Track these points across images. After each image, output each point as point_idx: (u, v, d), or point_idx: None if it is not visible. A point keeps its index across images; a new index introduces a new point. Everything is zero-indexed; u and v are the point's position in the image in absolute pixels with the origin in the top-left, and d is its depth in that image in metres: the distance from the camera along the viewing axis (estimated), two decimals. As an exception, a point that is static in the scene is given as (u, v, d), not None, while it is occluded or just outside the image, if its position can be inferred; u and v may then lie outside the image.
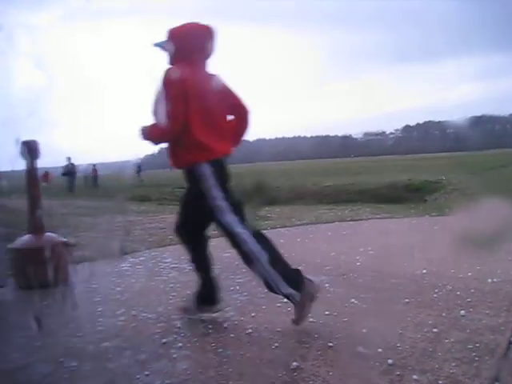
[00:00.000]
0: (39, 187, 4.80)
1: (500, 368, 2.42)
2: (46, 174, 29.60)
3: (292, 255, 5.46)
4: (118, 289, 4.40)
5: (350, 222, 8.02)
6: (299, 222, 8.30)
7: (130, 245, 6.62)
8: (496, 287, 3.77)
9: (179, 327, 3.30)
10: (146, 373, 2.62)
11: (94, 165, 30.42)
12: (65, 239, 4.83)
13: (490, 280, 3.94)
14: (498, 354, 2.57)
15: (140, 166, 37.34)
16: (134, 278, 4.78)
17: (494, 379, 2.31)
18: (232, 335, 3.10)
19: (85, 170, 29.65)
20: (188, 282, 4.52)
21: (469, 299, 3.50)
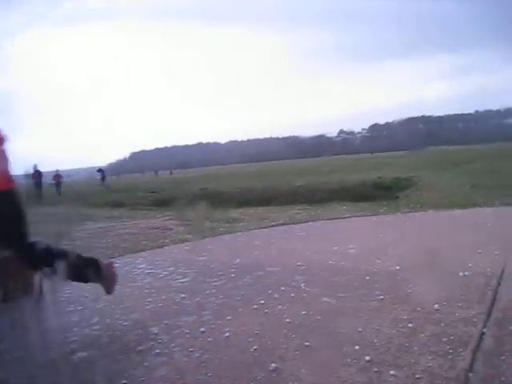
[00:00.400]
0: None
1: (473, 359, 2.46)
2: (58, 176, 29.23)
3: (267, 256, 5.50)
4: (92, 297, 4.33)
5: (324, 221, 8.07)
6: (273, 223, 8.32)
7: (103, 251, 6.54)
8: (467, 280, 3.84)
9: (156, 333, 3.26)
10: (124, 382, 2.58)
11: (58, 171, 29.74)
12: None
13: (461, 273, 4.02)
14: (471, 346, 2.62)
15: (103, 172, 36.98)
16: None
17: (468, 370, 2.35)
18: (209, 339, 3.08)
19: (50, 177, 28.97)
20: (163, 287, 4.49)
21: (442, 293, 3.55)
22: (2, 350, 3.15)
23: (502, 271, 3.99)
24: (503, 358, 2.45)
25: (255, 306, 3.64)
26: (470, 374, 2.32)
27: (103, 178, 35.38)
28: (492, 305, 3.24)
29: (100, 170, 37.34)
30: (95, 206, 15.12)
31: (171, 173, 40.69)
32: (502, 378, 2.25)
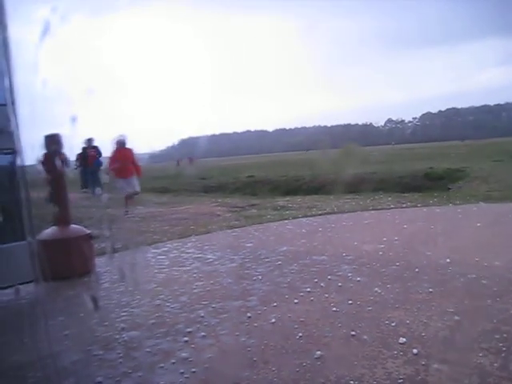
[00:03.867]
0: (64, 179, 4.87)
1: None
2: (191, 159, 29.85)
3: (314, 245, 5.49)
4: (143, 279, 4.46)
5: (372, 212, 7.96)
6: (320, 212, 8.28)
7: (151, 236, 6.70)
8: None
9: (203, 316, 3.33)
10: (172, 361, 2.65)
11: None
12: (89, 231, 4.90)
13: (515, 269, 3.88)
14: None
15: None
16: (157, 269, 4.83)
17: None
18: (255, 324, 3.12)
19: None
20: (211, 272, 4.56)
21: (495, 288, 3.45)
22: (58, 325, 3.30)
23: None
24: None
25: (301, 294, 3.65)
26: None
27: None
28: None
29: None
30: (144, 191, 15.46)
31: (191, 161, 36.30)
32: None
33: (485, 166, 14.56)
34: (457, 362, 2.39)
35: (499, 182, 11.16)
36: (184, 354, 2.74)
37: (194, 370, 2.52)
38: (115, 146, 9.55)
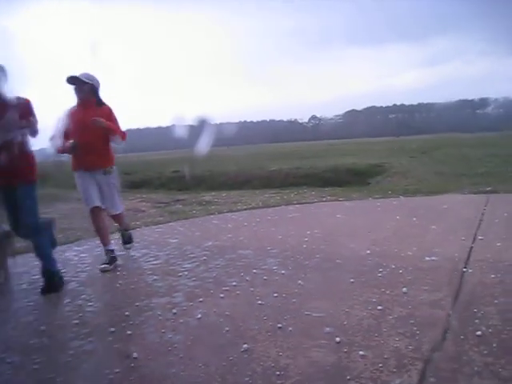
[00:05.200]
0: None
1: (437, 339, 2.54)
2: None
3: (239, 239, 5.52)
4: (64, 278, 4.29)
5: (297, 206, 8.13)
6: (246, 207, 8.34)
7: (71, 233, 6.46)
8: (435, 265, 3.93)
9: (127, 315, 3.25)
10: (94, 361, 2.57)
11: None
12: (5, 228, 4.64)
13: (429, 258, 4.11)
14: (435, 327, 2.70)
15: None
16: (80, 267, 4.67)
17: (431, 350, 2.43)
18: (181, 321, 3.09)
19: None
20: (135, 269, 4.48)
21: (409, 277, 3.64)
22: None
23: (468, 257, 4.10)
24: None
25: (227, 288, 3.66)
26: (433, 354, 2.39)
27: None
28: (459, 288, 3.33)
29: None
30: (65, 187, 14.85)
31: None
32: (464, 357, 2.33)
33: (403, 162, 15.28)
34: (376, 347, 2.50)
35: (415, 176, 11.77)
36: (108, 354, 2.67)
37: (117, 370, 2.46)
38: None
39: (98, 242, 4.84)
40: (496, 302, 3.03)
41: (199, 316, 3.14)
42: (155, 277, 4.15)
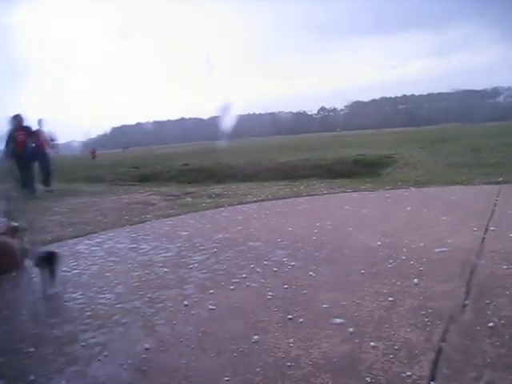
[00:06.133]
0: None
1: (448, 330, 2.54)
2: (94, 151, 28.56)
3: (249, 231, 5.53)
4: (75, 271, 4.33)
5: (306, 198, 8.11)
6: (255, 199, 8.34)
7: (83, 227, 6.50)
8: (447, 255, 3.92)
9: (139, 307, 3.28)
10: (105, 353, 2.60)
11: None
12: (16, 223, 4.69)
13: (440, 249, 4.09)
14: (446, 318, 2.69)
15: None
16: (91, 260, 4.70)
17: (442, 341, 2.42)
18: (192, 312, 3.11)
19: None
20: (146, 261, 4.50)
21: (421, 268, 3.63)
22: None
23: (480, 247, 4.07)
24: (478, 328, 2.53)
25: (237, 280, 3.67)
26: (444, 345, 2.39)
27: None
28: (470, 279, 3.31)
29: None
30: (75, 181, 14.95)
31: (93, 154, 34.62)
32: (476, 349, 2.32)
33: (413, 153, 15.17)
34: (388, 338, 2.50)
35: (425, 167, 11.68)
36: (119, 346, 2.70)
37: (130, 361, 2.48)
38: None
39: (110, 235, 4.87)
40: (508, 293, 3.01)
41: (210, 307, 3.15)
42: (166, 269, 4.17)
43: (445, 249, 4.09)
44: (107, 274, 4.16)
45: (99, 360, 2.54)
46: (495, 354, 2.26)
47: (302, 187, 9.73)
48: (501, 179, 8.18)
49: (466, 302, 2.93)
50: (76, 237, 5.90)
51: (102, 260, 4.69)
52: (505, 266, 3.51)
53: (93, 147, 43.49)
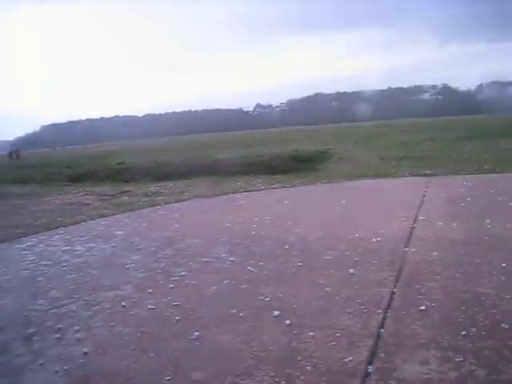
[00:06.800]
0: None
1: (383, 316, 2.64)
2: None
3: (187, 228, 5.49)
4: (4, 277, 4.14)
5: (244, 193, 8.15)
6: (193, 196, 8.28)
7: (13, 231, 6.21)
8: (381, 245, 4.06)
9: (75, 310, 3.18)
10: (41, 362, 2.50)
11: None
12: None
13: (374, 239, 4.23)
14: (382, 305, 2.80)
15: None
16: (21, 265, 4.50)
17: (378, 327, 2.52)
18: (131, 313, 3.05)
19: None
20: (81, 264, 4.36)
21: (356, 258, 3.74)
22: None
23: (410, 236, 4.25)
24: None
25: (176, 278, 3.64)
26: (380, 330, 2.48)
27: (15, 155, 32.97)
28: (402, 266, 3.45)
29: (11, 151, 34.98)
30: (3, 183, 14.25)
31: (17, 154, 33.14)
32: (410, 331, 2.43)
33: (347, 148, 15.59)
34: (327, 327, 2.56)
35: (359, 161, 12.02)
36: (55, 352, 2.60)
37: (67, 367, 2.40)
38: None
39: (41, 238, 4.68)
40: (437, 277, 3.17)
41: (149, 307, 3.10)
42: (102, 270, 4.06)
43: (378, 239, 4.24)
44: (39, 279, 3.99)
45: (30, 369, 2.44)
46: (427, 334, 2.38)
47: (239, 183, 9.76)
48: (428, 171, 8.58)
49: (399, 288, 3.05)
50: (4, 241, 5.63)
51: (34, 264, 4.50)
52: (435, 253, 3.69)
53: (17, 147, 41.64)
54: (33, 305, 3.38)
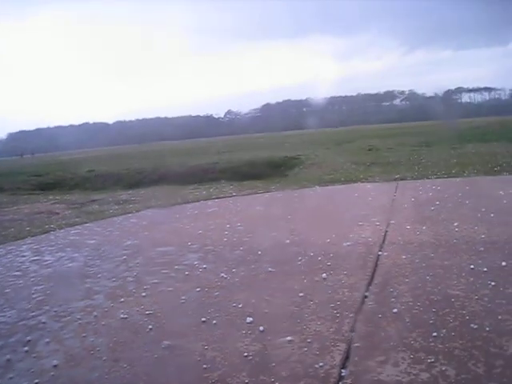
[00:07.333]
0: None
1: (356, 320, 2.67)
2: None
3: (159, 236, 5.45)
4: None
5: (216, 200, 8.13)
6: (164, 203, 8.23)
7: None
8: (352, 250, 4.11)
9: (44, 322, 3.12)
10: (10, 375, 2.44)
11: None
12: None
13: (346, 244, 4.28)
14: (354, 309, 2.83)
15: None
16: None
17: (351, 330, 2.55)
18: (103, 323, 3.01)
19: None
20: (51, 274, 4.29)
21: (329, 263, 3.77)
22: None
23: (383, 240, 4.32)
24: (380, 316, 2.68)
25: (148, 287, 3.61)
26: (353, 334, 2.51)
27: None
28: (375, 270, 3.50)
29: None
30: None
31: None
32: (383, 334, 2.47)
33: (318, 153, 15.72)
34: (300, 332, 2.58)
35: (330, 167, 12.14)
36: (24, 365, 2.54)
37: (37, 381, 2.35)
38: None
39: (9, 248, 4.58)
40: (407, 280, 3.23)
41: (121, 317, 3.07)
42: (73, 280, 4.00)
43: (350, 243, 4.29)
44: (7, 291, 3.91)
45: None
46: (398, 337, 2.42)
47: (211, 190, 9.75)
48: (397, 176, 8.73)
49: (372, 291, 3.09)
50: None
51: (1, 275, 4.40)
52: (404, 256, 3.76)
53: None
54: (1, 317, 3.30)
